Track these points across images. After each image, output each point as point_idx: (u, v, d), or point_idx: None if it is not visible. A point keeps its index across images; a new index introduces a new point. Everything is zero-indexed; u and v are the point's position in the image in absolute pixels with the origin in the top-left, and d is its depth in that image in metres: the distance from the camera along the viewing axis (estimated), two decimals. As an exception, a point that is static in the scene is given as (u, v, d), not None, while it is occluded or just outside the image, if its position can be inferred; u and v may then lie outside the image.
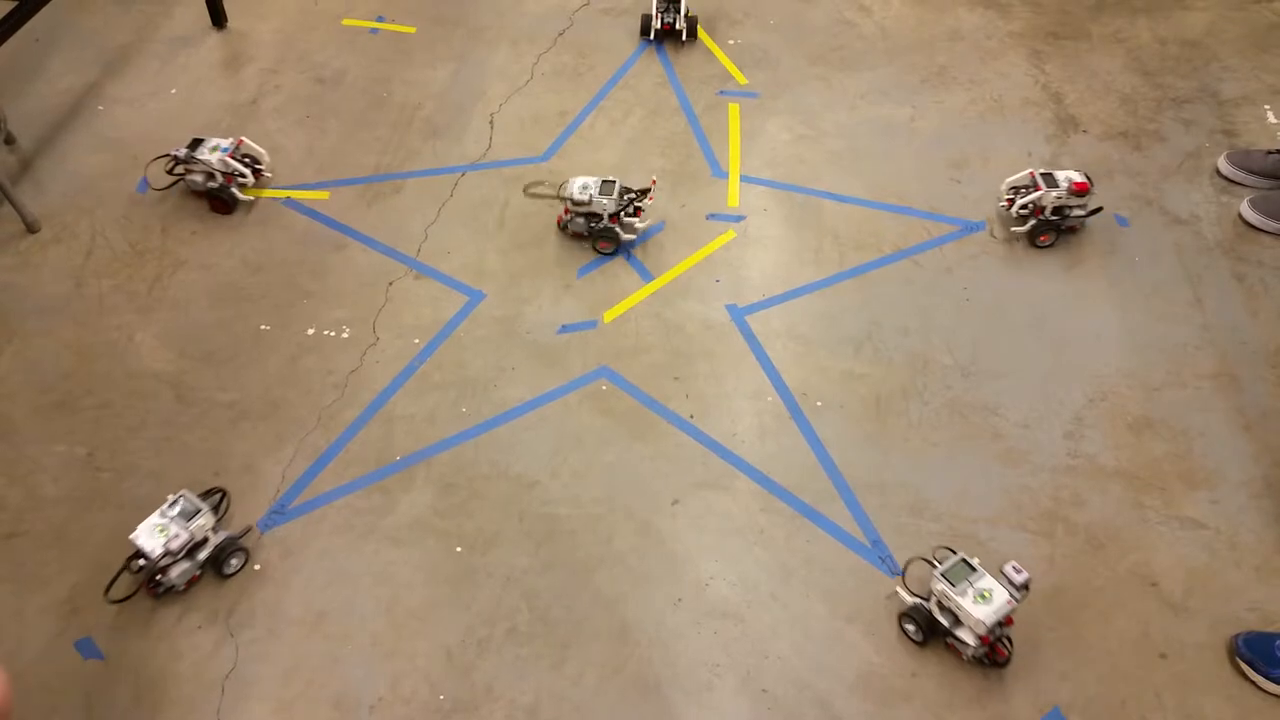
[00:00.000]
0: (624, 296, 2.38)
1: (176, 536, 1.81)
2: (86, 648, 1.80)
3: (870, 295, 2.39)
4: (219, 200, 2.53)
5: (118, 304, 2.36)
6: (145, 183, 2.63)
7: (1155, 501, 2.03)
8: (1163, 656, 1.81)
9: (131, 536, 1.83)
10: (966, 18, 3.21)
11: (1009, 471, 2.07)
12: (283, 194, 2.60)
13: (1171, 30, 3.15)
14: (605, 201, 2.39)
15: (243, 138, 2.57)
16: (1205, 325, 2.33)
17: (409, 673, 1.78)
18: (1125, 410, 2.17)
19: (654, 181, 2.58)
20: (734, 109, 2.87)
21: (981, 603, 1.71)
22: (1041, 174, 2.46)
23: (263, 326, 2.32)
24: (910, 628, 1.82)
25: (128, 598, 1.86)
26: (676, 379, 2.23)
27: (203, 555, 1.88)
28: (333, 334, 2.30)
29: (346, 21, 3.17)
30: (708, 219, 2.56)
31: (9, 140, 2.71)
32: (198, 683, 1.76)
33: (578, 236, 2.49)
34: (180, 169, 2.54)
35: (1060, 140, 2.78)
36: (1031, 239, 2.48)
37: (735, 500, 2.02)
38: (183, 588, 1.88)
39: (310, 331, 2.31)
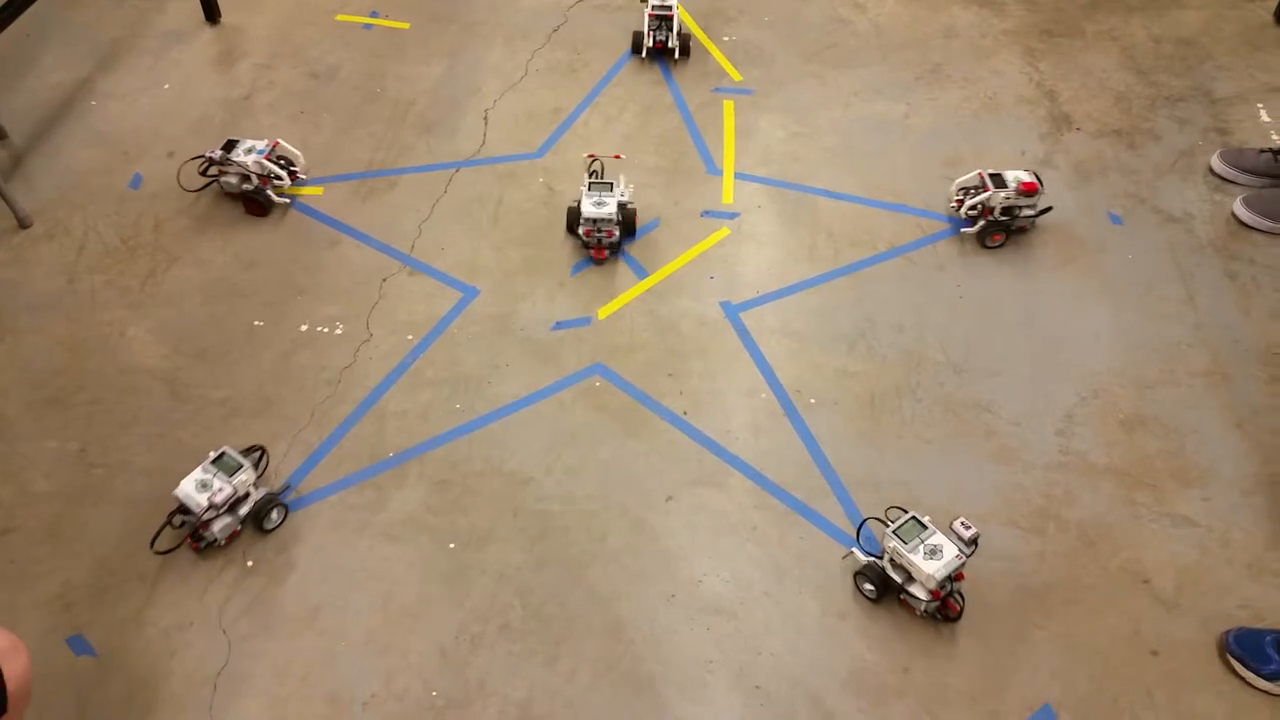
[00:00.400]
0: (618, 293, 2.38)
1: (220, 490, 1.86)
2: (78, 644, 1.80)
3: (864, 292, 2.40)
4: (254, 203, 2.52)
5: (110, 300, 2.35)
6: (139, 178, 2.62)
7: (1147, 499, 2.03)
8: (1154, 653, 1.82)
9: (175, 491, 1.87)
10: (961, 15, 3.21)
11: (1001, 469, 2.08)
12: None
13: (1166, 28, 3.16)
14: (612, 207, 2.39)
15: (278, 139, 2.56)
16: (1198, 323, 2.34)
17: (402, 669, 1.78)
18: (1117, 408, 2.18)
19: (617, 156, 2.63)
20: (729, 106, 2.87)
21: (931, 558, 1.77)
22: (990, 174, 2.46)
23: (256, 323, 2.31)
24: (866, 586, 1.86)
25: (172, 549, 1.90)
26: (670, 376, 2.23)
27: (244, 510, 1.92)
28: (326, 330, 2.30)
29: (340, 17, 3.16)
30: (702, 216, 2.57)
31: (1, 136, 2.70)
32: (190, 679, 1.76)
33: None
34: (215, 170, 2.52)
35: (1054, 138, 2.78)
36: (981, 240, 2.49)
37: (729, 497, 2.03)
38: (224, 542, 1.91)
39: (304, 328, 2.30)
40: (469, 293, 2.38)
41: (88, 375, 2.20)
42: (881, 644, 1.82)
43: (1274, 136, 2.81)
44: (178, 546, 1.91)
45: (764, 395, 2.19)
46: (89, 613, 1.84)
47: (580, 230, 2.42)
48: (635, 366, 2.24)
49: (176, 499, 1.87)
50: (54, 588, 1.88)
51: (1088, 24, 3.18)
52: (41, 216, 2.52)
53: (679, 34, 2.95)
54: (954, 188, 2.54)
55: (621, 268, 2.44)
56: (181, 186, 2.57)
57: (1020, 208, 2.46)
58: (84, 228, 2.50)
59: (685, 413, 2.16)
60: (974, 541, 1.81)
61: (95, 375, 2.20)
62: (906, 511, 1.85)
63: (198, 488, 1.86)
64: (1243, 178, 2.65)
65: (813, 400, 2.18)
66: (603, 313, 2.34)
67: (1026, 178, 2.43)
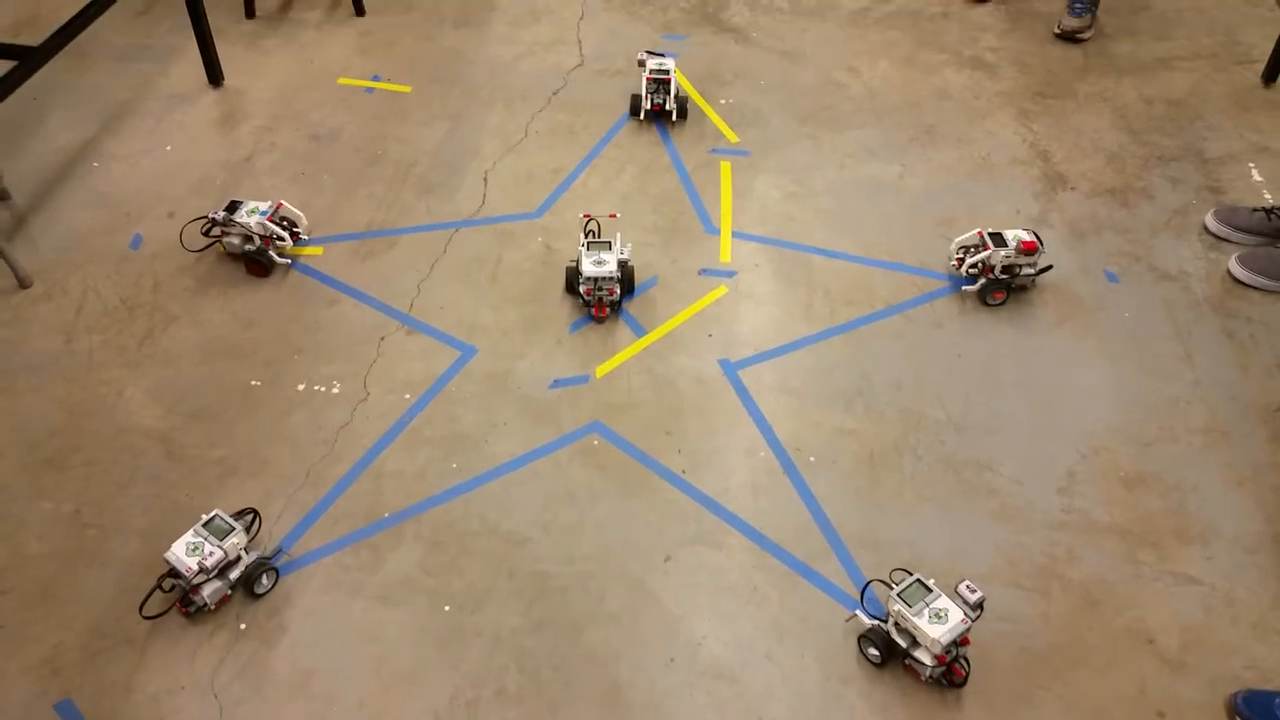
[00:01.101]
0: (616, 351, 2.39)
1: (210, 554, 1.83)
2: (67, 710, 1.77)
3: (861, 350, 2.40)
4: (257, 264, 2.53)
5: (108, 359, 2.35)
6: (139, 238, 2.64)
7: (1150, 557, 2.01)
8: (1160, 715, 1.79)
9: (166, 555, 1.84)
10: (954, 78, 3.26)
11: (1003, 528, 2.06)
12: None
13: (1156, 90, 3.21)
14: (612, 265, 2.40)
15: (281, 201, 2.58)
16: (1196, 381, 2.34)
17: (396, 735, 1.75)
18: (1118, 466, 2.17)
19: (613, 216, 2.68)
20: (725, 167, 2.90)
21: (937, 622, 1.73)
22: (990, 233, 2.47)
23: (253, 382, 2.31)
24: (871, 651, 1.82)
25: (161, 614, 1.87)
26: (669, 434, 2.22)
27: (234, 575, 1.89)
28: (323, 389, 2.29)
29: (342, 80, 3.21)
30: (700, 274, 2.58)
31: (3, 197, 2.72)
32: (180, 746, 1.73)
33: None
34: (217, 231, 2.54)
35: (1048, 198, 2.81)
36: (982, 298, 2.50)
37: (728, 557, 2.01)
38: (214, 607, 1.88)
39: (301, 387, 2.30)
40: (467, 351, 2.38)
41: (84, 435, 2.20)
42: (885, 709, 1.79)
43: (1266, 195, 2.83)
44: (166, 611, 1.88)
45: (763, 453, 2.18)
46: (79, 677, 1.81)
47: (580, 289, 2.43)
48: (633, 425, 2.23)
49: (167, 562, 1.85)
50: (44, 651, 1.85)
51: (1079, 85, 3.23)
52: (42, 276, 2.54)
53: (676, 97, 2.99)
54: (954, 246, 2.56)
55: (619, 326, 2.44)
56: (184, 246, 2.59)
57: (1020, 266, 2.47)
58: (83, 288, 2.51)
59: (684, 471, 2.15)
60: (979, 605, 1.78)
61: (91, 435, 2.20)
62: (911, 574, 1.83)
63: (188, 551, 1.84)
64: (1237, 236, 2.67)
65: (812, 459, 2.17)
66: (600, 371, 2.34)
67: (1026, 237, 2.45)
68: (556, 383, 2.32)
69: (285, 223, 2.57)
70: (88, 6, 2.73)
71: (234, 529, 1.88)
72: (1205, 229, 2.72)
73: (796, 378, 2.34)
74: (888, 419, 2.25)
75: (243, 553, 1.90)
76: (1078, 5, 3.40)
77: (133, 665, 1.83)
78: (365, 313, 2.47)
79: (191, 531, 1.87)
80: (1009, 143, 3.01)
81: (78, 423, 2.22)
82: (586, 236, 2.52)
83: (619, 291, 2.44)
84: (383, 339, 2.41)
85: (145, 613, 1.87)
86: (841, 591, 1.95)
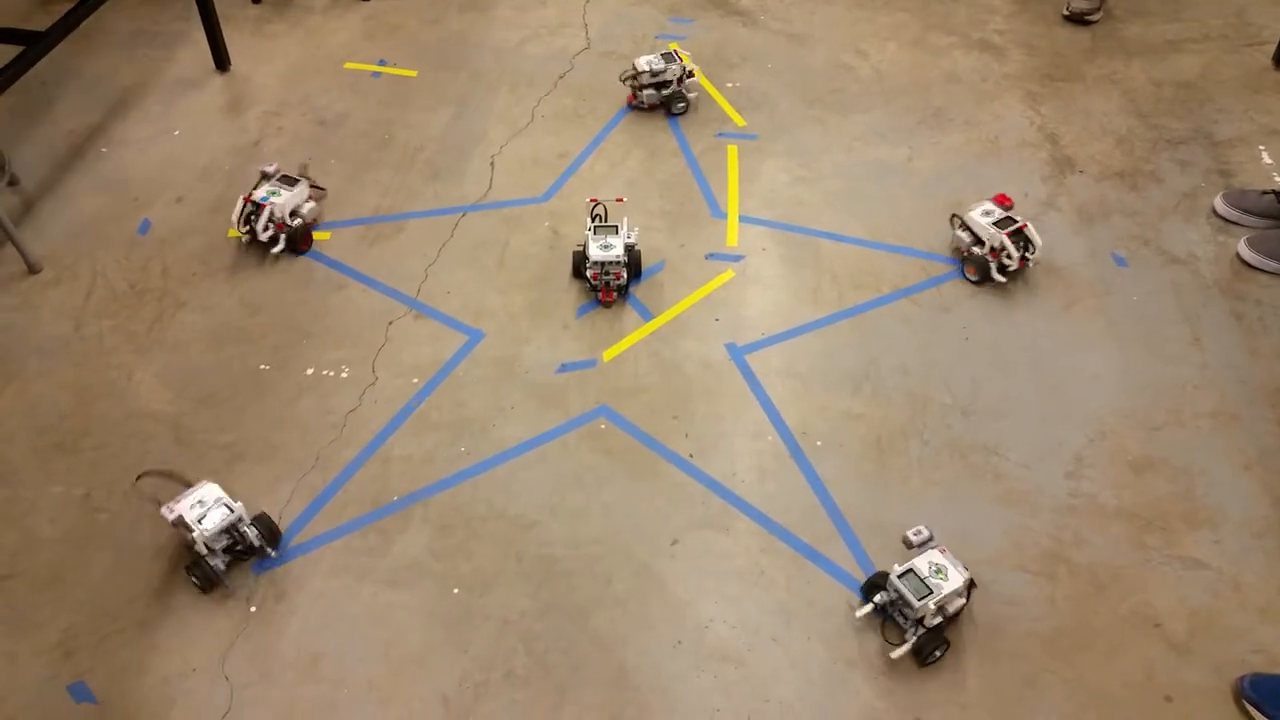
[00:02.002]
0: (623, 335, 2.39)
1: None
2: (79, 692, 1.79)
3: (869, 334, 2.40)
4: (307, 236, 2.58)
5: (117, 345, 2.36)
6: (147, 224, 2.65)
7: (1157, 542, 2.01)
8: (1168, 699, 1.79)
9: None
10: (962, 61, 3.24)
11: (1010, 512, 2.06)
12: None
13: (1166, 72, 3.18)
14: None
15: (277, 165, 2.61)
16: (1204, 364, 2.33)
17: (405, 718, 1.76)
18: (1125, 450, 2.17)
19: (619, 200, 2.72)
20: (733, 150, 2.90)
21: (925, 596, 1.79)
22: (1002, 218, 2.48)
23: (262, 367, 2.32)
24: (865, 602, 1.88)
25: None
26: (676, 418, 2.22)
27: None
28: (331, 374, 2.30)
29: (349, 65, 3.20)
30: (707, 259, 2.57)
31: (13, 182, 2.73)
32: (191, 728, 1.75)
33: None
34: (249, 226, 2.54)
35: (1057, 181, 2.80)
36: (961, 270, 2.53)
37: (735, 541, 2.01)
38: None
39: (309, 372, 2.31)
40: (474, 336, 2.39)
41: (94, 420, 2.21)
42: (891, 692, 1.80)
43: (1276, 178, 2.82)
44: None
45: (770, 438, 2.18)
46: (90, 659, 1.83)
47: (587, 274, 2.44)
48: (640, 409, 2.24)
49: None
50: (55, 634, 1.86)
51: (1088, 68, 3.21)
52: (51, 262, 2.54)
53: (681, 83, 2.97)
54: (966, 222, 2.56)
55: (627, 310, 2.44)
56: (237, 227, 2.55)
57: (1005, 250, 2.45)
58: (92, 273, 2.52)
59: (691, 455, 2.15)
60: (970, 585, 1.84)
61: (101, 420, 2.21)
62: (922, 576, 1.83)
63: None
64: (1246, 219, 2.66)
65: (819, 443, 2.18)
66: (608, 355, 2.35)
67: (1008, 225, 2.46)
68: (564, 367, 2.32)
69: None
70: (94, -9, 2.73)
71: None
72: (1214, 212, 2.70)
73: (804, 362, 2.34)
74: (895, 403, 2.25)
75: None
76: (1087, -13, 3.37)
77: (144, 648, 1.84)
78: (373, 297, 2.47)
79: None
80: (1017, 125, 2.99)
81: (87, 407, 2.23)
82: (593, 221, 2.52)
83: (625, 276, 2.44)
84: (390, 324, 2.41)
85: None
86: (848, 575, 1.95)
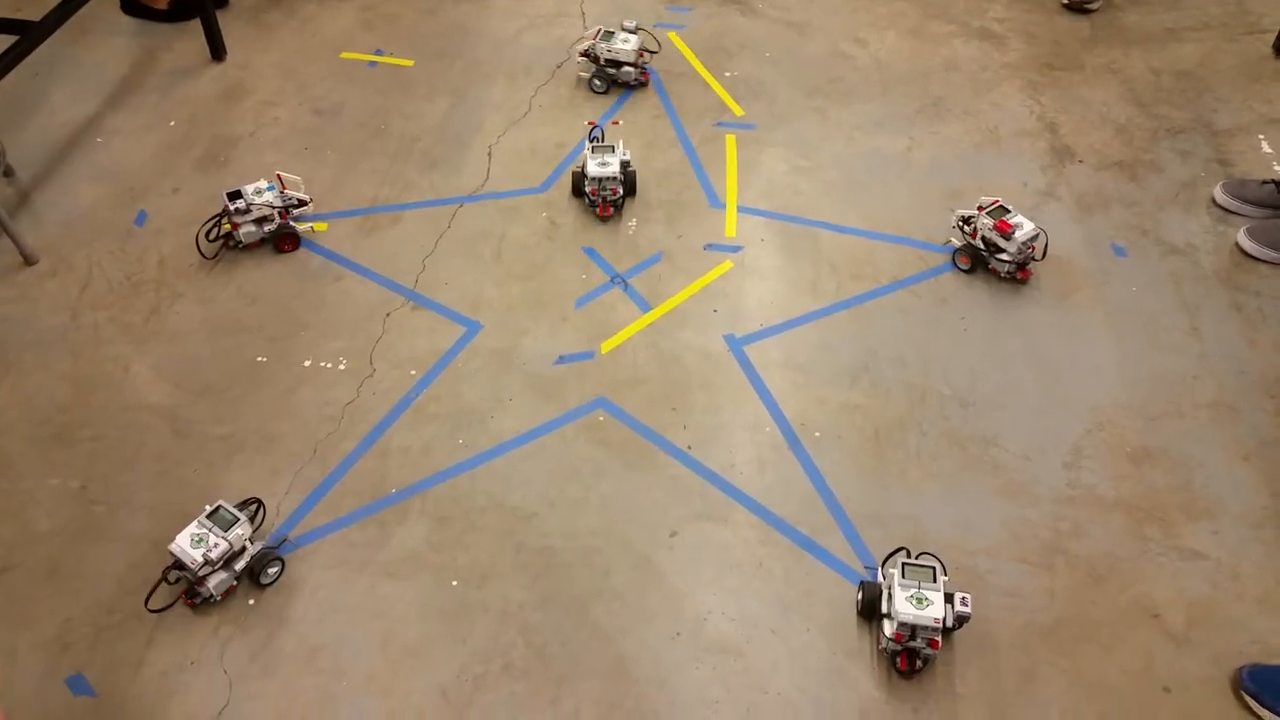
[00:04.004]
0: (621, 327, 2.38)
1: (216, 545, 1.83)
2: (78, 684, 1.78)
3: (867, 325, 2.39)
4: (286, 237, 2.53)
5: (113, 336, 2.35)
6: (144, 215, 2.63)
7: (1156, 533, 2.01)
8: (1166, 690, 1.79)
9: (170, 547, 1.83)
10: (961, 50, 3.23)
11: (1009, 503, 2.06)
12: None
13: (1165, 61, 3.17)
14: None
15: (278, 172, 2.54)
16: (1203, 355, 2.33)
17: (404, 711, 1.76)
18: (1124, 440, 2.17)
19: (615, 122, 2.89)
20: (731, 140, 2.88)
21: (913, 604, 1.74)
22: (997, 209, 2.46)
23: (259, 359, 2.31)
24: (859, 596, 1.87)
25: (167, 608, 1.87)
26: (674, 409, 2.22)
27: (239, 565, 1.88)
28: (329, 366, 2.30)
29: (345, 55, 3.19)
30: (705, 249, 2.57)
31: (8, 173, 2.72)
32: (190, 720, 1.75)
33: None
34: (231, 222, 2.48)
35: (1056, 170, 2.79)
36: (953, 259, 2.53)
37: (734, 532, 2.01)
38: (219, 598, 1.88)
39: (307, 363, 2.30)
40: (472, 327, 2.38)
41: (91, 412, 2.20)
42: (890, 683, 1.80)
43: (1276, 168, 2.81)
44: (172, 604, 1.88)
45: (768, 429, 2.18)
46: (88, 652, 1.83)
47: (586, 189, 2.60)
48: (638, 400, 2.23)
49: (171, 555, 1.84)
50: (53, 627, 1.86)
51: (1087, 57, 3.19)
52: (47, 253, 2.53)
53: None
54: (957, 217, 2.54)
55: (625, 301, 2.44)
56: (204, 256, 2.52)
57: (1000, 249, 2.43)
58: (88, 264, 2.51)
59: (689, 447, 2.15)
60: (960, 621, 1.78)
61: (98, 412, 2.20)
62: (938, 561, 1.82)
63: (193, 543, 1.82)
64: (1246, 209, 2.65)
65: (817, 434, 2.17)
66: (606, 347, 2.34)
67: (1027, 227, 2.42)
68: (562, 358, 2.32)
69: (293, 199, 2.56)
70: (88, -20, 2.72)
71: (238, 519, 1.88)
72: (1214, 202, 2.70)
73: (802, 353, 2.33)
74: (893, 394, 2.25)
75: (247, 543, 1.89)
76: (1087, -25, 3.36)
77: (143, 641, 1.84)
78: (370, 288, 2.47)
79: (195, 523, 1.86)
80: (1016, 115, 2.98)
81: (84, 399, 2.23)
82: (591, 142, 2.66)
83: (621, 192, 2.62)
84: (388, 315, 2.40)
85: (151, 606, 1.86)
86: (846, 566, 1.95)
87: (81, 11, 2.69)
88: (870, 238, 2.60)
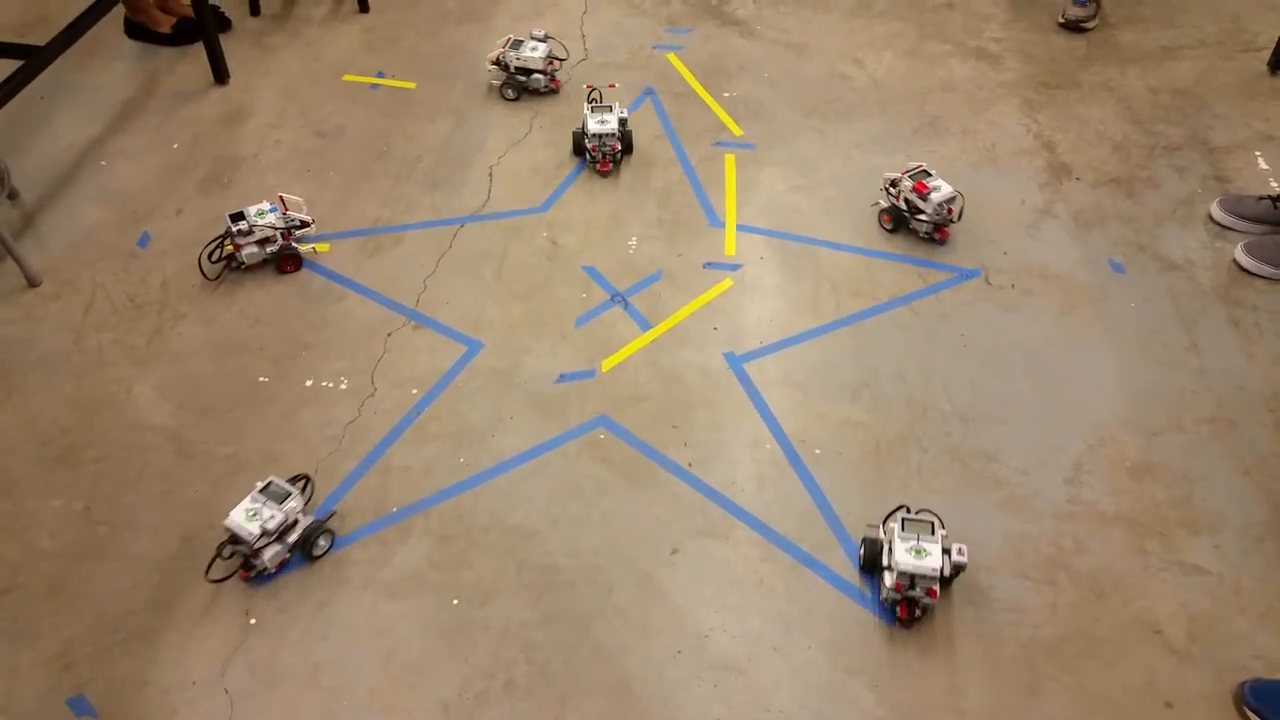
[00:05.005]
0: (622, 345, 2.39)
1: (271, 517, 1.90)
2: (79, 705, 1.78)
3: (867, 342, 2.40)
4: (289, 259, 2.55)
5: (117, 357, 2.36)
6: (147, 236, 2.65)
7: (1157, 548, 2.01)
8: (1169, 705, 1.79)
9: (226, 522, 1.90)
10: (958, 69, 3.25)
11: (1010, 518, 2.06)
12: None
13: (1161, 79, 3.20)
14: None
15: (280, 194, 2.56)
16: (1202, 370, 2.33)
17: (406, 728, 1.76)
18: (1124, 456, 2.17)
19: (612, 85, 3.09)
20: (730, 160, 2.90)
21: (912, 555, 1.83)
22: (920, 173, 2.62)
23: (261, 379, 2.32)
24: (861, 551, 1.96)
25: (225, 579, 1.94)
26: (675, 427, 2.22)
27: (292, 538, 1.95)
28: (331, 385, 2.31)
29: (347, 77, 3.21)
30: (705, 268, 2.58)
31: (12, 195, 2.74)
32: (192, 740, 1.75)
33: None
34: (234, 243, 2.49)
35: (1053, 188, 2.80)
36: (879, 220, 2.70)
37: (735, 549, 2.01)
38: (274, 569, 1.95)
39: (309, 383, 2.31)
40: (473, 346, 2.39)
41: (94, 433, 2.21)
42: (892, 699, 1.80)
43: (1272, 184, 2.83)
44: (230, 576, 1.94)
45: (769, 446, 2.19)
46: (90, 671, 1.83)
47: (587, 146, 2.80)
48: (639, 418, 2.24)
49: (226, 529, 1.90)
50: (55, 646, 1.86)
51: (1084, 75, 3.22)
52: (51, 275, 2.55)
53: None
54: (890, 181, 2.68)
55: (625, 320, 2.45)
56: (206, 277, 2.54)
57: (919, 210, 2.58)
58: (92, 286, 2.53)
59: (690, 464, 2.16)
60: (958, 570, 1.87)
61: (102, 433, 2.21)
62: (936, 518, 1.91)
63: (247, 517, 1.90)
64: (1243, 225, 2.66)
65: (818, 451, 2.18)
66: (606, 365, 2.35)
67: (946, 193, 2.57)
68: (563, 377, 2.33)
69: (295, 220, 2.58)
70: (93, 6, 2.74)
71: (291, 493, 1.95)
72: (1211, 218, 2.71)
73: (802, 370, 2.34)
74: (894, 410, 2.26)
75: (299, 516, 1.97)
76: (1082, -6, 3.39)
77: (144, 660, 1.84)
78: (372, 308, 2.48)
79: (249, 498, 1.93)
80: (1013, 133, 3.00)
81: (88, 420, 2.23)
82: (590, 103, 2.85)
83: (620, 148, 2.81)
84: (389, 335, 2.42)
85: (210, 577, 1.94)
86: (848, 583, 1.96)
87: (86, 36, 2.72)
88: (869, 255, 2.62)
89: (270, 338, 2.41)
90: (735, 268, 2.58)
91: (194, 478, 2.13)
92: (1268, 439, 2.20)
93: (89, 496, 2.10)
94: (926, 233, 2.62)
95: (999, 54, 3.32)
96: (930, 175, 2.60)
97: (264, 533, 1.88)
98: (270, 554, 1.91)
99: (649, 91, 3.14)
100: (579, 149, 2.86)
